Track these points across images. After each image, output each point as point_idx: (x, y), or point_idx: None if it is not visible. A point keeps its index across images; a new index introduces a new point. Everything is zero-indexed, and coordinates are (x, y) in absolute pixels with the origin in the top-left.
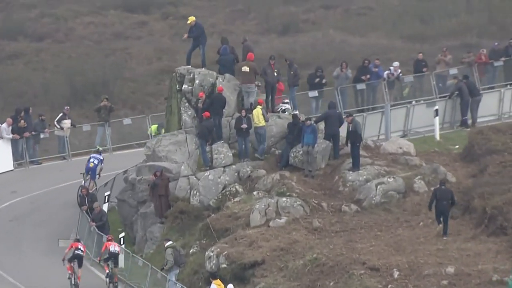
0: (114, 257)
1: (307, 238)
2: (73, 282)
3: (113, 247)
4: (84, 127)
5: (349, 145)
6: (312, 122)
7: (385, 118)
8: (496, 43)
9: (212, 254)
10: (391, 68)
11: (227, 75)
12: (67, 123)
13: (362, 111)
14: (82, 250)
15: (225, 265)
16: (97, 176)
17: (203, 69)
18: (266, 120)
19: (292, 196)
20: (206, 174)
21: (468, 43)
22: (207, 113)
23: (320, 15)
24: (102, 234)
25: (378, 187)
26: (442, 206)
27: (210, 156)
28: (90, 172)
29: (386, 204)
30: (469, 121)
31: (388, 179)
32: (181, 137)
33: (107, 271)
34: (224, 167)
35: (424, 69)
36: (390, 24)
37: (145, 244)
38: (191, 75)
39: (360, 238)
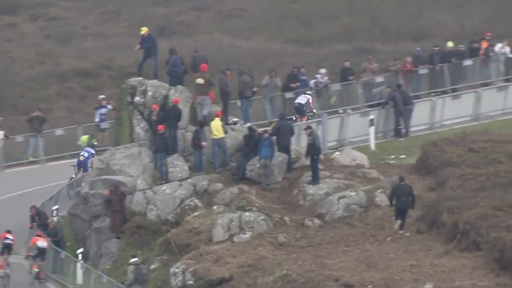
0: (42, 252)
1: (274, 254)
2: (3, 274)
3: (41, 242)
4: (17, 138)
5: (308, 158)
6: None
7: (322, 128)
8: (418, 49)
9: (177, 270)
10: (318, 76)
11: (179, 86)
12: (0, 134)
13: (291, 120)
14: (11, 239)
15: (192, 282)
16: (90, 169)
17: (155, 80)
18: (226, 132)
19: (252, 210)
20: (163, 188)
21: (361, 47)
22: (161, 126)
23: (193, 17)
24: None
25: (340, 201)
26: (401, 202)
27: (165, 169)
28: (82, 166)
29: (349, 218)
30: (403, 131)
31: (350, 193)
32: (135, 150)
33: (36, 269)
34: (180, 180)
35: (351, 77)
36: (273, 27)
37: (100, 260)
38: (143, 87)
39: (328, 254)
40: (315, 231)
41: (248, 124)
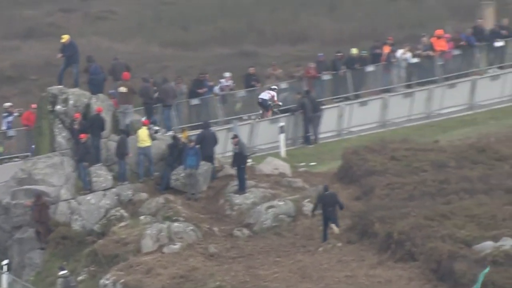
0: None
1: (205, 265)
2: None
3: None
4: None
5: (234, 167)
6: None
7: None
8: (320, 54)
9: (107, 282)
10: (222, 80)
11: (100, 95)
12: None
13: (198, 127)
14: None
15: None
16: None
17: (76, 89)
18: (153, 139)
19: (179, 220)
20: (88, 198)
21: (245, 51)
22: (83, 135)
23: (61, 19)
24: None
25: (269, 210)
26: (327, 212)
27: (88, 179)
28: None
29: (277, 228)
30: (312, 138)
31: (278, 203)
32: (57, 160)
33: None
34: (104, 190)
35: (255, 84)
36: (147, 29)
37: (23, 271)
38: (64, 95)
39: (261, 265)
40: (244, 242)
41: (171, 133)
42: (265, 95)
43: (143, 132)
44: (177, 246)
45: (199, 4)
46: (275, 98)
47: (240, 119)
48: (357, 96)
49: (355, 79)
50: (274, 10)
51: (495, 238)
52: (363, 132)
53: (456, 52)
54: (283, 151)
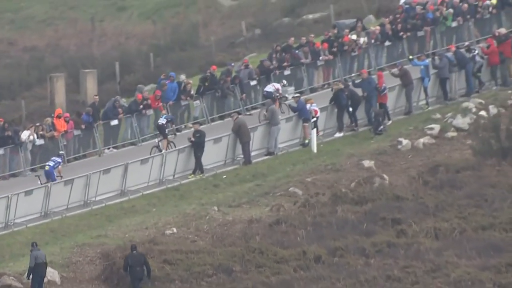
0: None
1: None
2: None
3: None
4: None
5: None
6: None
7: None
8: None
9: None
10: None
11: None
12: None
13: None
14: None
15: None
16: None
17: None
18: None
19: None
20: None
21: None
22: None
23: None
24: None
25: None
26: (136, 272)
27: None
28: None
29: None
30: None
31: None
32: None
33: None
34: None
35: None
36: None
37: None
38: None
39: None
40: None
41: None
42: (270, 87)
43: None
44: None
45: None
46: (280, 91)
47: None
48: None
49: None
50: None
51: None
52: (29, 223)
53: (77, 132)
54: None
